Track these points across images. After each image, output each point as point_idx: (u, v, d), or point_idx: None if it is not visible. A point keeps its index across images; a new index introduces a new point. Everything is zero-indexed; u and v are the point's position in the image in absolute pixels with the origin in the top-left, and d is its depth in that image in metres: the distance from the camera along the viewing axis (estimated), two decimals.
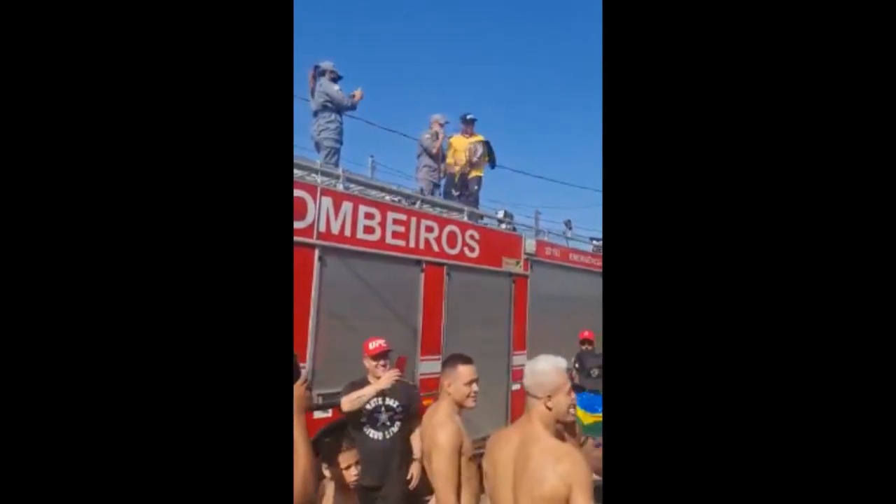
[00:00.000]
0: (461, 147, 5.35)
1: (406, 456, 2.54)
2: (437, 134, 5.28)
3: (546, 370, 1.50)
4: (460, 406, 1.90)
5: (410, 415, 2.59)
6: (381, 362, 2.61)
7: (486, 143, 5.44)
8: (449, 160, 5.35)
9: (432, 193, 5.07)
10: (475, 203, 5.23)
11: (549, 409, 1.45)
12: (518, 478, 1.40)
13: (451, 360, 1.99)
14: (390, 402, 2.57)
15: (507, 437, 1.52)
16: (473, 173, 5.34)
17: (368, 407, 2.53)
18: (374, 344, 2.66)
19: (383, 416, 2.54)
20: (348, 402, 2.51)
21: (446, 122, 5.40)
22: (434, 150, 5.24)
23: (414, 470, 2.52)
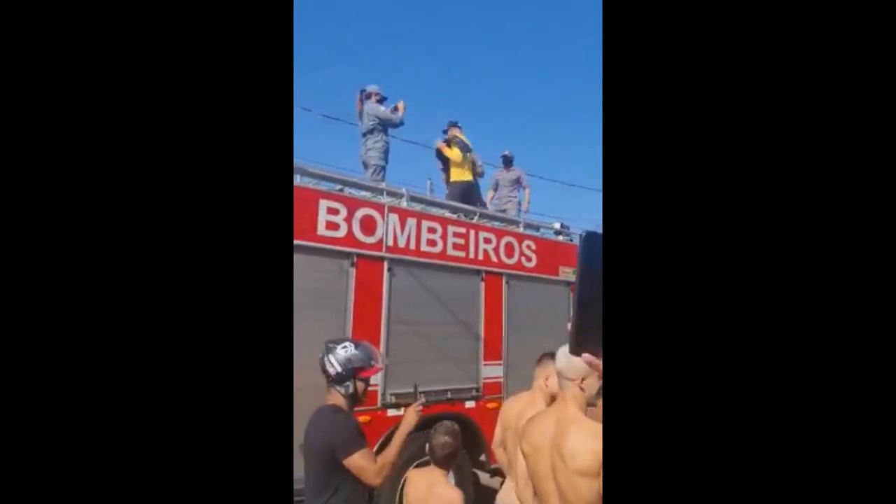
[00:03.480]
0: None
1: None
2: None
3: None
4: (553, 400, 2.05)
5: None
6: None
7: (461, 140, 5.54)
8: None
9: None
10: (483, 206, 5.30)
11: (583, 390, 1.56)
12: (556, 456, 1.49)
13: (546, 357, 2.10)
14: None
15: (544, 421, 1.63)
16: (455, 177, 5.43)
17: None
18: None
19: None
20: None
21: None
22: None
23: None
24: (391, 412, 3.31)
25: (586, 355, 0.58)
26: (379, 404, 3.29)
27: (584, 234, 0.63)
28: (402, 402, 3.34)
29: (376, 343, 3.32)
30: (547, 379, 2.07)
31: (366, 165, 4.77)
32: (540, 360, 2.16)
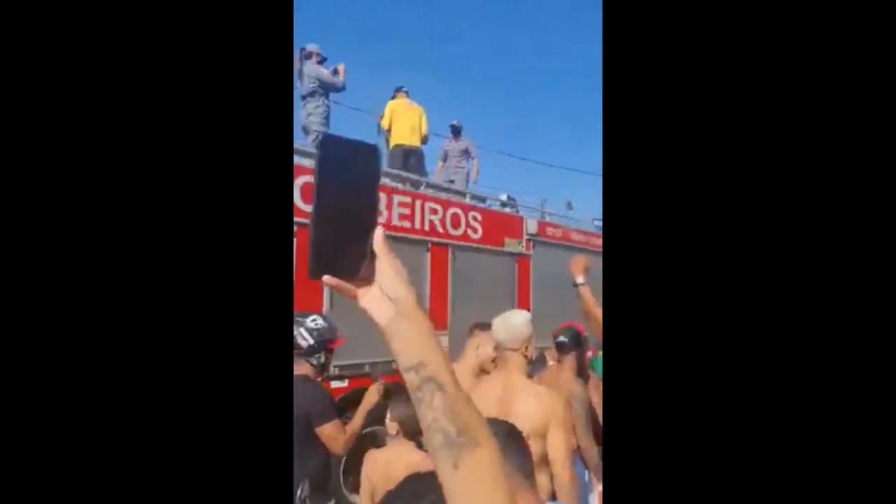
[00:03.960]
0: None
1: None
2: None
3: (519, 324, 1.66)
4: (483, 371, 2.09)
5: None
6: None
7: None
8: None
9: None
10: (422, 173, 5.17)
11: (526, 357, 1.62)
12: (502, 418, 1.57)
13: (476, 328, 2.22)
14: None
15: (489, 386, 1.68)
16: (397, 141, 5.25)
17: None
18: None
19: None
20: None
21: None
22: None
23: None
24: (335, 384, 3.26)
25: (328, 278, 0.52)
26: (322, 376, 3.23)
27: (320, 138, 0.56)
28: (346, 374, 3.29)
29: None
30: (478, 348, 2.14)
31: (306, 131, 4.54)
32: (472, 331, 2.22)
